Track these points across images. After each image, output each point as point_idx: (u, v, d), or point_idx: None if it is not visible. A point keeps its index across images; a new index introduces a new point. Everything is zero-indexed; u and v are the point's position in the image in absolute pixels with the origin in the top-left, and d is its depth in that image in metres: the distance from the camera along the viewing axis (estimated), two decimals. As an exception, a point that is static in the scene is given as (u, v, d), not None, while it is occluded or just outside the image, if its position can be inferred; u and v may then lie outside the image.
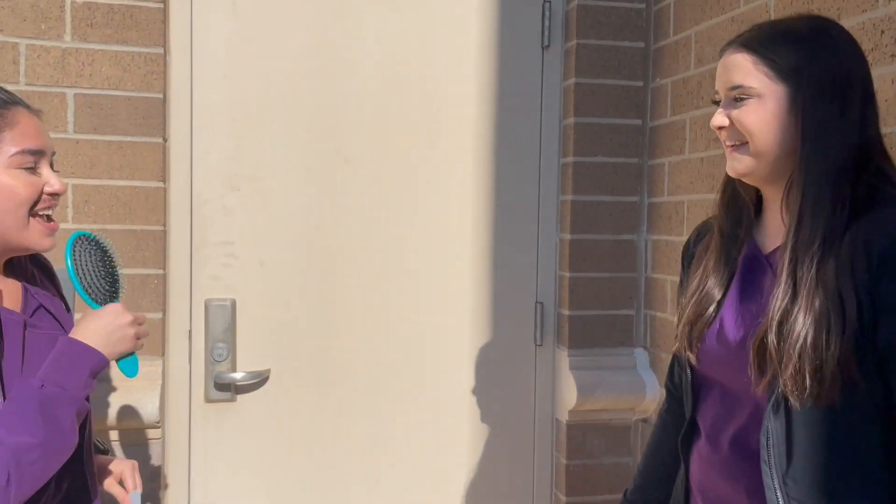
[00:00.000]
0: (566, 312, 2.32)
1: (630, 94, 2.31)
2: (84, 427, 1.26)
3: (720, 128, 1.14)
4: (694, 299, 1.21)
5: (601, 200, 2.31)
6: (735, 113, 1.12)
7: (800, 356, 1.01)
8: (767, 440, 1.05)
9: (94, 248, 1.27)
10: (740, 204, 1.21)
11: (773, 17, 1.79)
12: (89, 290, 1.25)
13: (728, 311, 1.19)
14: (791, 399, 1.02)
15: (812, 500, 1.03)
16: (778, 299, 1.05)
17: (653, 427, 1.46)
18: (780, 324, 1.04)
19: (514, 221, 2.36)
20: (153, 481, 2.00)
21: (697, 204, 2.10)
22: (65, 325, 1.27)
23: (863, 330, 1.00)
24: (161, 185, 2.02)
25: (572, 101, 2.30)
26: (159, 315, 2.02)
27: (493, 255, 2.35)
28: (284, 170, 2.18)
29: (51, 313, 1.25)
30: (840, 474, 1.03)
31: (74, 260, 1.24)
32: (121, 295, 1.30)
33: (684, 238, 2.15)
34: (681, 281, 1.35)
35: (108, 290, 1.28)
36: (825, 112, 1.07)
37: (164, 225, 2.05)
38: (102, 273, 1.27)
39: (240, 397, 2.17)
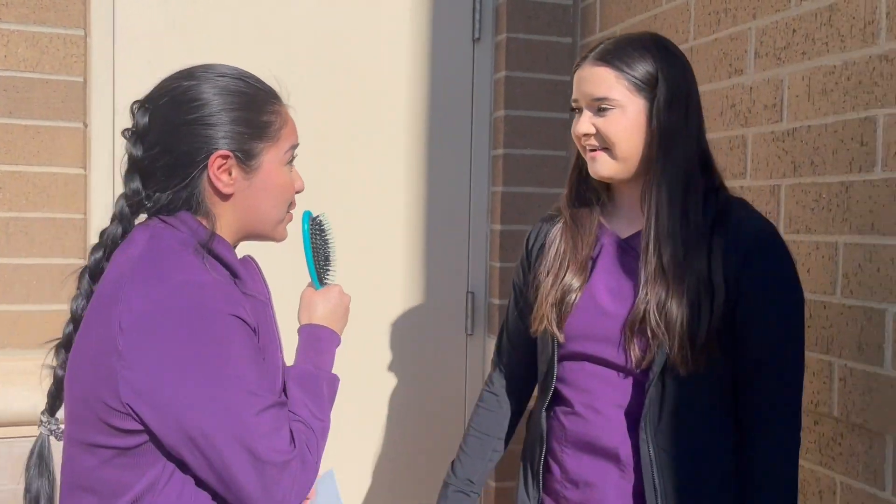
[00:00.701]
0: (496, 302, 2.35)
1: (558, 88, 2.36)
2: None
3: (585, 134, 1.27)
4: (557, 283, 1.33)
5: (530, 192, 2.36)
6: (601, 122, 1.26)
7: (680, 334, 1.19)
8: (649, 402, 1.23)
9: (318, 227, 1.31)
10: (590, 197, 1.36)
11: (694, 17, 1.87)
12: (318, 269, 1.31)
13: (599, 289, 1.32)
14: (679, 369, 1.21)
15: (675, 448, 1.23)
16: (650, 285, 1.23)
17: (479, 404, 1.55)
18: (659, 308, 1.21)
19: (447, 212, 2.38)
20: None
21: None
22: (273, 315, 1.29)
23: (728, 309, 1.21)
24: (82, 171, 1.95)
25: (502, 93, 2.33)
26: (80, 306, 1.95)
27: (425, 245, 2.36)
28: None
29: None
30: (698, 427, 1.25)
31: (312, 238, 1.29)
32: (333, 277, 1.33)
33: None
34: (523, 271, 1.47)
35: (325, 270, 1.33)
36: (675, 120, 1.24)
37: (85, 213, 1.98)
38: (324, 253, 1.32)
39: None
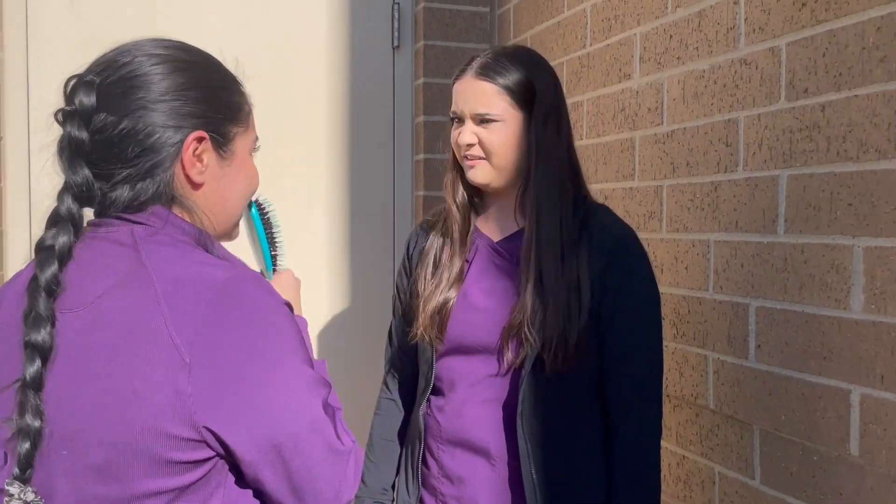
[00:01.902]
0: (421, 305, 2.39)
1: (477, 94, 2.40)
2: None
3: (469, 145, 1.33)
4: (437, 291, 1.37)
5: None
6: (484, 133, 1.32)
7: (553, 339, 1.26)
8: (523, 399, 1.29)
9: (263, 212, 1.28)
10: (466, 203, 1.41)
11: (590, 23, 1.92)
12: (273, 257, 1.28)
13: (474, 291, 1.37)
14: (548, 369, 1.27)
15: (549, 440, 1.30)
16: (528, 295, 1.28)
17: (378, 412, 1.58)
18: (534, 312, 1.27)
19: (373, 215, 2.41)
20: None
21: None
22: None
23: (593, 307, 1.29)
24: (-5, 184, 1.98)
25: (422, 99, 2.38)
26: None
27: (349, 250, 2.40)
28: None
29: None
30: (571, 419, 1.32)
31: (264, 225, 1.26)
32: (282, 261, 1.31)
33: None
34: (406, 277, 1.51)
35: (276, 254, 1.31)
36: (549, 132, 1.32)
37: (1, 225, 2.00)
38: (270, 238, 1.30)
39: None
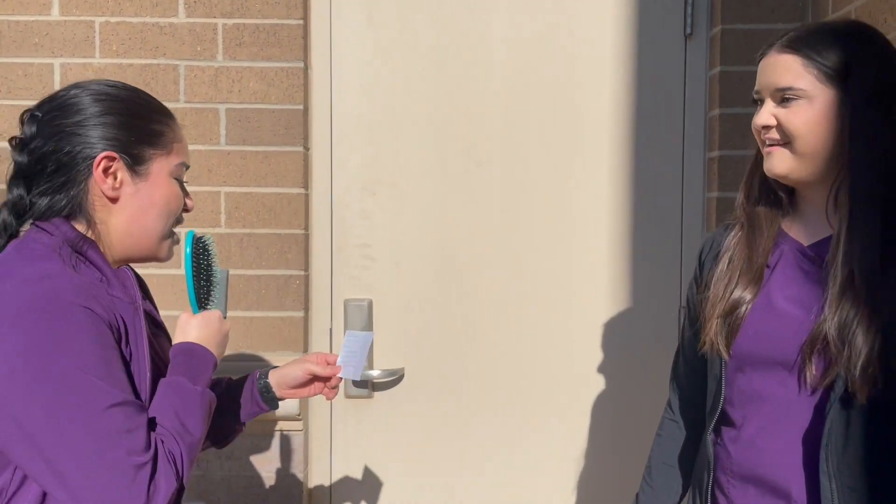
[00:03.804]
0: (713, 317, 2.17)
1: (784, 81, 2.11)
2: None
3: (765, 126, 1.17)
4: (727, 294, 1.22)
5: (751, 197, 2.14)
6: (783, 113, 1.15)
7: (869, 355, 1.05)
8: (830, 428, 1.09)
9: (203, 250, 1.27)
10: (769, 202, 1.24)
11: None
12: (199, 293, 1.26)
13: (777, 297, 1.19)
14: (858, 395, 1.07)
15: (864, 485, 1.07)
16: (834, 299, 1.10)
17: (660, 433, 1.46)
18: (844, 324, 1.08)
19: (657, 220, 2.24)
20: (298, 469, 2.12)
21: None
22: (164, 328, 1.29)
23: None
24: (303, 191, 2.14)
25: (717, 91, 2.15)
26: (301, 314, 2.14)
27: (632, 255, 2.25)
28: (419, 174, 2.24)
29: (155, 319, 1.27)
30: (888, 461, 1.08)
31: (194, 260, 1.25)
32: (214, 302, 1.29)
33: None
34: (696, 286, 1.36)
35: (207, 294, 1.28)
36: (873, 115, 1.10)
37: (306, 228, 2.17)
38: (206, 276, 1.28)
39: (376, 394, 2.25)
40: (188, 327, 1.22)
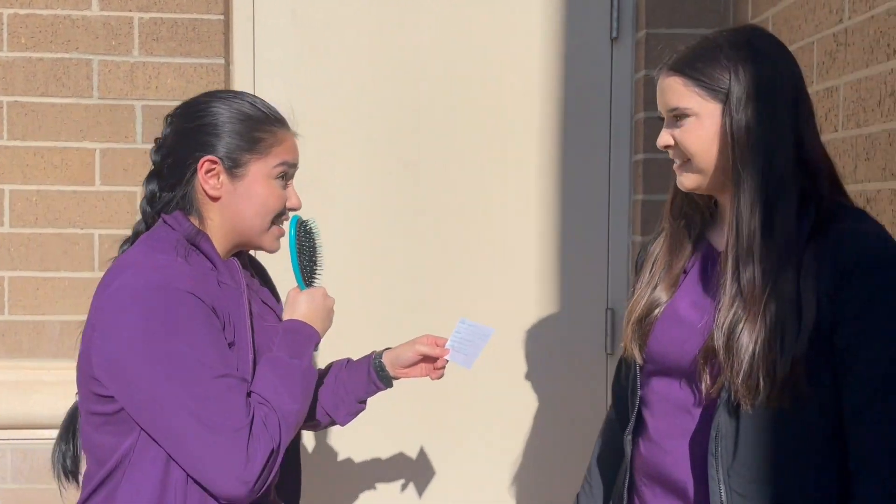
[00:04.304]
0: (638, 319, 2.18)
1: (706, 85, 2.14)
2: None
3: (666, 146, 1.18)
4: (643, 299, 1.23)
5: (675, 200, 2.16)
6: (677, 133, 1.16)
7: (751, 364, 1.04)
8: (716, 435, 1.09)
9: (307, 232, 1.38)
10: (691, 210, 1.24)
11: (849, -9, 1.60)
12: (303, 272, 1.37)
13: (683, 302, 1.20)
14: (743, 403, 1.06)
15: (754, 493, 1.08)
16: (725, 308, 1.09)
17: (600, 434, 1.48)
18: (730, 332, 1.07)
19: (584, 223, 2.25)
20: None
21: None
22: (278, 314, 1.39)
23: (819, 336, 1.05)
24: (223, 190, 2.08)
25: (642, 94, 2.16)
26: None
27: (560, 259, 2.25)
28: (345, 175, 2.20)
29: (269, 307, 1.38)
30: (783, 470, 1.08)
31: (298, 242, 1.35)
32: (320, 279, 1.41)
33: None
34: (632, 288, 1.36)
35: (312, 273, 1.39)
36: (755, 123, 1.09)
37: (227, 229, 2.11)
38: (310, 257, 1.38)
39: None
40: (295, 304, 1.34)
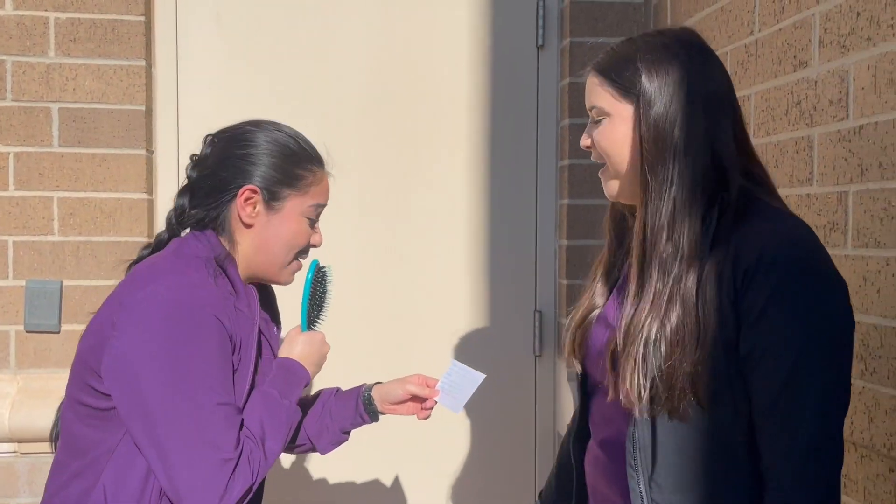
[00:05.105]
0: (566, 321, 2.22)
1: (629, 93, 2.20)
2: None
3: (586, 147, 1.15)
4: (582, 306, 1.21)
5: (600, 204, 2.21)
6: (595, 133, 1.12)
7: (644, 370, 1.00)
8: (633, 445, 1.06)
9: (322, 278, 1.42)
10: (625, 219, 1.21)
11: (758, 6, 1.67)
12: (310, 314, 1.40)
13: (610, 306, 1.18)
14: (636, 412, 1.02)
15: (667, 495, 1.04)
16: (626, 318, 1.05)
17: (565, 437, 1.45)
18: (626, 335, 1.04)
19: (512, 227, 2.28)
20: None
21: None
22: (273, 345, 1.40)
23: (724, 342, 1.00)
24: (146, 196, 2.04)
25: (567, 101, 2.21)
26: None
27: (489, 262, 2.28)
28: (272, 179, 2.17)
29: (263, 335, 1.38)
30: (704, 478, 1.04)
31: (312, 285, 1.39)
32: (321, 325, 1.44)
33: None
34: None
35: (316, 317, 1.42)
36: (664, 125, 1.05)
37: (150, 236, 2.06)
38: (319, 301, 1.42)
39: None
40: (293, 343, 1.37)
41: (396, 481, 2.23)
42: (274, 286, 1.44)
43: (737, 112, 1.11)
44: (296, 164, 1.32)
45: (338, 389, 1.56)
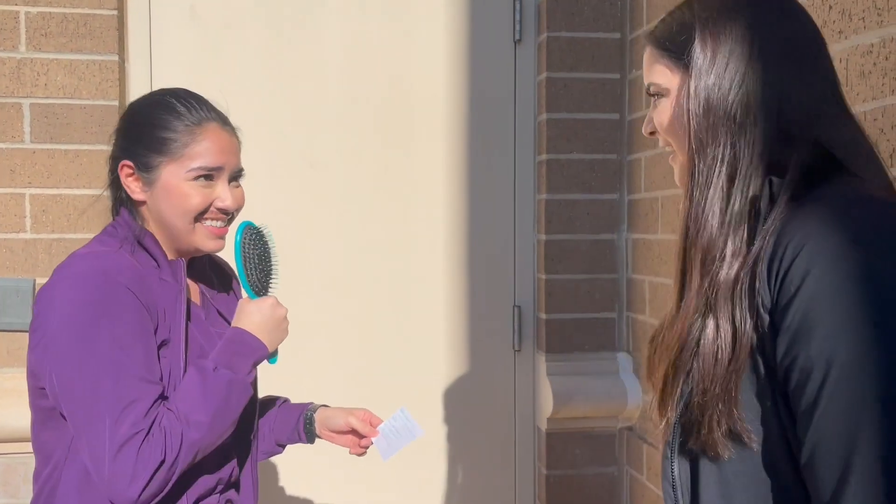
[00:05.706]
0: (544, 316, 2.23)
1: (606, 88, 2.21)
2: (251, 412, 1.34)
3: (650, 135, 1.00)
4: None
5: (577, 199, 2.22)
6: (655, 114, 0.97)
7: (670, 385, 0.88)
8: (672, 486, 0.92)
9: (258, 239, 1.31)
10: None
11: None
12: (250, 279, 1.30)
13: None
14: (690, 442, 0.87)
15: None
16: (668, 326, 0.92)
17: None
18: (657, 356, 0.92)
19: (491, 222, 2.28)
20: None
21: (671, 199, 1.99)
22: (224, 311, 1.35)
23: (764, 359, 0.84)
24: (120, 192, 2.01)
25: (544, 96, 2.21)
26: (120, 323, 2.01)
27: (468, 258, 2.28)
28: (249, 177, 2.14)
29: (224, 317, 1.35)
30: None
31: (242, 248, 1.29)
32: (275, 288, 1.34)
33: (660, 236, 2.04)
34: None
35: (265, 281, 1.32)
36: (715, 91, 0.88)
37: (125, 233, 2.04)
38: (262, 264, 1.31)
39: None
40: (242, 314, 1.29)
41: (374, 476, 2.23)
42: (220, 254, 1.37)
43: (824, 62, 0.91)
44: (160, 128, 1.23)
45: (286, 400, 1.55)
